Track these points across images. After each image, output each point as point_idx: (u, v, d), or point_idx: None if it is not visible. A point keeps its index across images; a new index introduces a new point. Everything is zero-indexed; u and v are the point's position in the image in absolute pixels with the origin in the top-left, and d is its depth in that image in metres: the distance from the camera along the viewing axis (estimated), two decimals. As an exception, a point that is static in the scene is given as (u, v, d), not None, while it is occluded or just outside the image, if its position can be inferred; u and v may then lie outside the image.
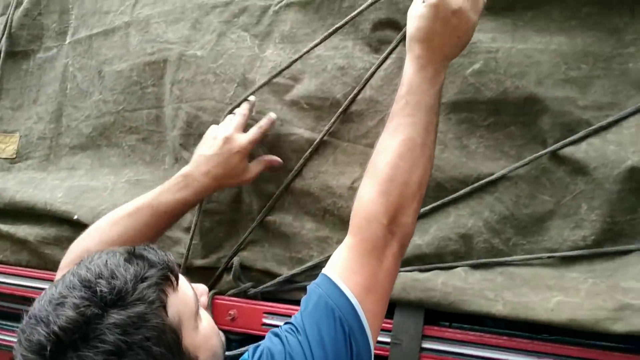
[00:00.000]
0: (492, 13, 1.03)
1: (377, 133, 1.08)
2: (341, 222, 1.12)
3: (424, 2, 0.87)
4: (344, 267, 0.81)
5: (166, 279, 0.72)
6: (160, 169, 1.32)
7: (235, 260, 1.18)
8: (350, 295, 0.78)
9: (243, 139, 1.09)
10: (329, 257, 1.10)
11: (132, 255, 0.72)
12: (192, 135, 1.24)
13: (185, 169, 1.09)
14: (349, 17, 1.06)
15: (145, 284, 0.69)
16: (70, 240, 1.36)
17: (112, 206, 1.30)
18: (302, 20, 1.17)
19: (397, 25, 1.08)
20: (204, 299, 0.81)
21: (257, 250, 1.19)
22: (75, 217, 1.32)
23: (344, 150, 1.12)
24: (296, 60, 1.13)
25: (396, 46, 1.08)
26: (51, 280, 1.37)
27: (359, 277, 0.80)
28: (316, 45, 1.10)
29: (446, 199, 1.04)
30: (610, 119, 0.97)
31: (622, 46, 0.98)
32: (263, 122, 1.12)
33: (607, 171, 0.95)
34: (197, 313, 0.77)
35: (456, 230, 1.03)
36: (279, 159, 1.14)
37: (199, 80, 1.23)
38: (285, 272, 1.15)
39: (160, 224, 1.08)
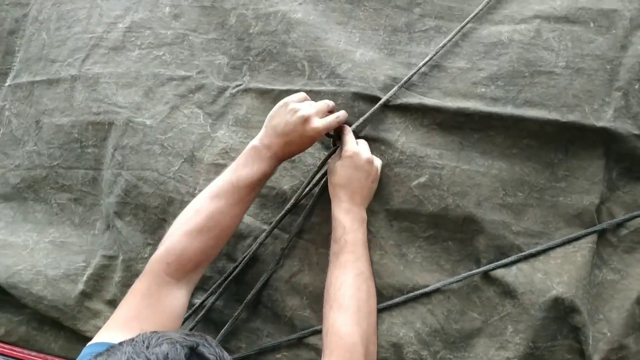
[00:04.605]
0: (442, 129, 1.07)
1: (319, 230, 1.09)
2: (274, 315, 1.10)
3: (340, 157, 1.03)
4: None
5: None
6: (89, 234, 1.26)
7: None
8: None
9: (320, 124, 1.02)
10: (257, 350, 1.09)
11: (193, 353, 0.70)
12: (129, 204, 1.19)
13: (254, 142, 1.04)
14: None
15: None
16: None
17: (31, 267, 1.23)
18: (257, 107, 1.17)
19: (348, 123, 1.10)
20: None
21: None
22: (-13, 274, 1.23)
23: (283, 242, 1.11)
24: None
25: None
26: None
27: None
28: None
29: (381, 305, 1.05)
30: (539, 248, 1.02)
31: (555, 180, 1.04)
32: (340, 113, 1.07)
33: (533, 298, 0.99)
34: None
35: (388, 338, 1.04)
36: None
37: (144, 150, 1.20)
38: (210, 361, 1.10)
39: (243, 200, 1.03)
